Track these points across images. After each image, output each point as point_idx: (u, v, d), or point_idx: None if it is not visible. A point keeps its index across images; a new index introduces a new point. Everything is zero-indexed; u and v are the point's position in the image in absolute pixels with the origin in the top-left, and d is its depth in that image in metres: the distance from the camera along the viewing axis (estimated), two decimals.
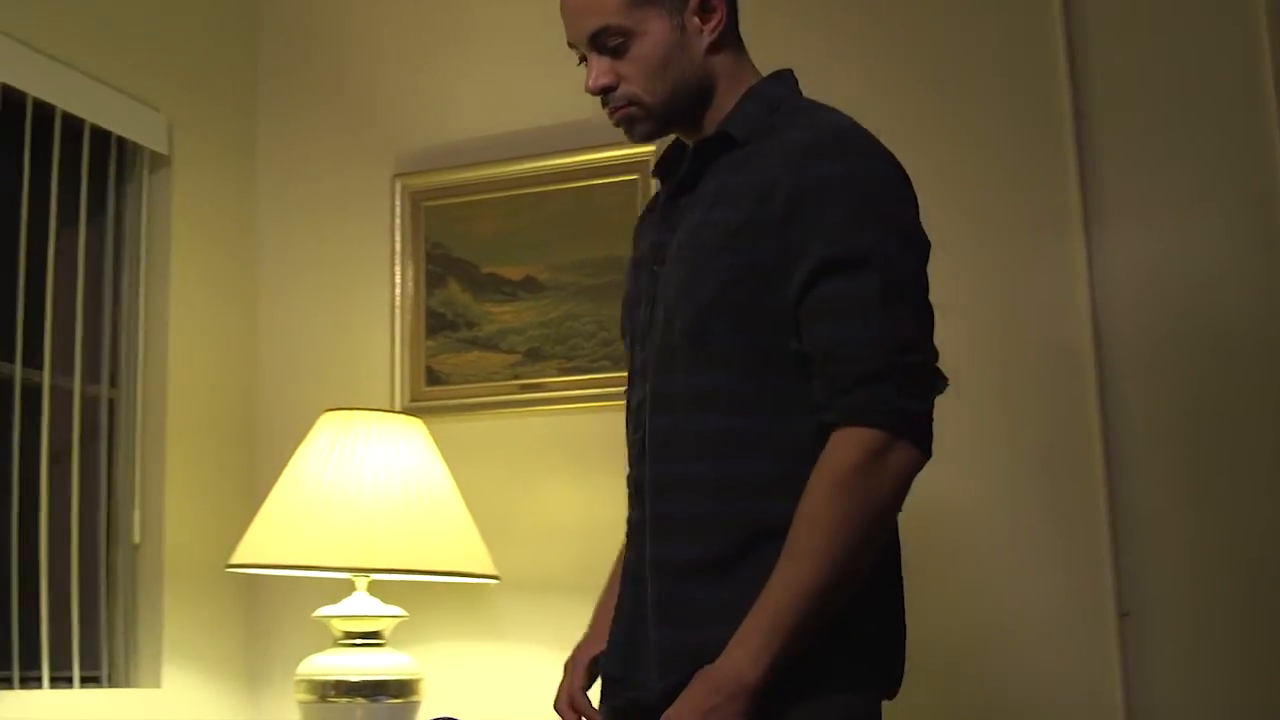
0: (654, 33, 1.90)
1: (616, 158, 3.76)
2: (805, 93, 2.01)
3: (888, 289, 1.75)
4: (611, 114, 1.97)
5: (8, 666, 3.29)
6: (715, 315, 1.81)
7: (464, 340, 3.87)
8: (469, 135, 3.95)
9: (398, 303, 3.93)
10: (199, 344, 3.90)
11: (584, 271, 3.76)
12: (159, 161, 3.87)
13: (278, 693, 3.76)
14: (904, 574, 1.90)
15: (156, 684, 3.60)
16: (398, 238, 3.95)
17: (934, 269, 1.87)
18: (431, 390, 3.87)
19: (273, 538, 3.31)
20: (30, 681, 3.33)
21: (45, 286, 3.55)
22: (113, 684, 3.60)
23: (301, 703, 3.33)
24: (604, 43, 1.91)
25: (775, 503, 1.76)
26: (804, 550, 1.69)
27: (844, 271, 1.75)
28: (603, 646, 2.07)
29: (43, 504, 3.42)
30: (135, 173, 3.86)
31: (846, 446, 1.71)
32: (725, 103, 1.96)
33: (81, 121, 3.64)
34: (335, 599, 3.42)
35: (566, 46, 2.00)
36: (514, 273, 3.84)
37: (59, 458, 3.51)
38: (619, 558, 2.20)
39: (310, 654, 3.38)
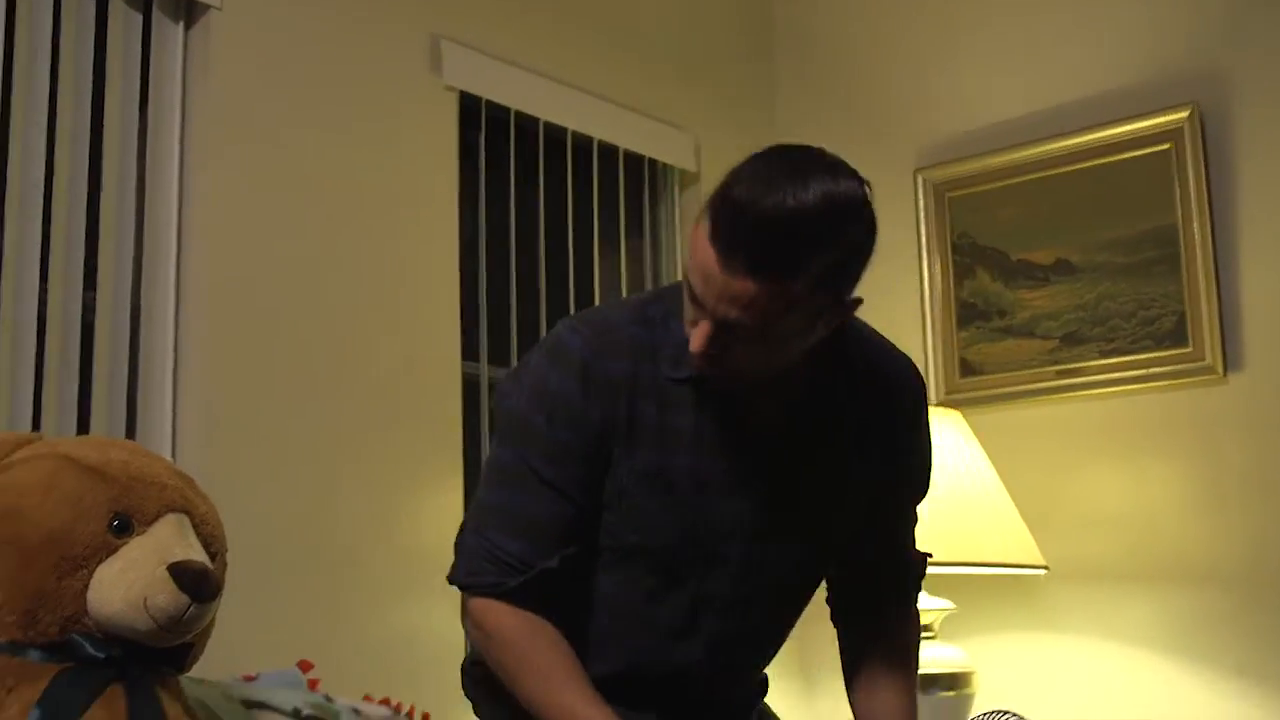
0: (787, 332, 1.71)
1: (1144, 129, 3.61)
2: None
3: None
4: (701, 362, 1.75)
5: None
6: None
7: (997, 329, 3.82)
8: (986, 122, 3.90)
9: (927, 296, 3.93)
10: None
11: (1118, 250, 3.63)
12: (689, 179, 4.06)
13: (831, 686, 3.83)
14: None
15: None
16: (923, 231, 3.96)
17: None
18: (966, 381, 3.84)
19: None
20: None
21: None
22: None
23: None
24: (730, 328, 1.68)
25: None
26: (913, 692, 2.07)
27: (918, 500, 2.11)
28: None
29: None
30: (667, 193, 4.07)
31: (918, 619, 2.15)
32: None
33: (615, 149, 3.87)
34: None
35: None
36: (1044, 257, 3.76)
37: None
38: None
39: None
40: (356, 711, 2.52)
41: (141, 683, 1.95)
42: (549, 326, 3.63)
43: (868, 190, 1.65)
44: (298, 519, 2.96)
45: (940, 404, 3.75)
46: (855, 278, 1.72)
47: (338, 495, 3.05)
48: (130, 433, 2.79)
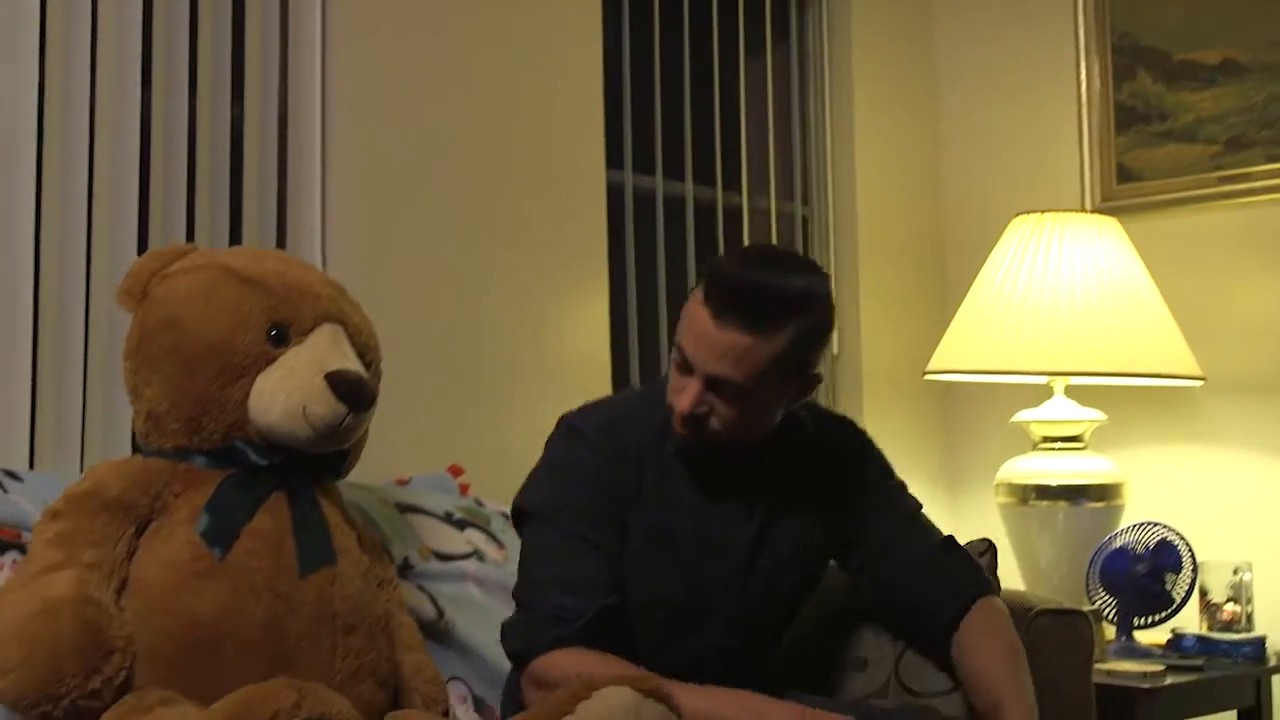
0: (763, 396, 1.98)
1: None
2: None
3: None
4: (685, 427, 2.00)
5: None
6: None
7: (1157, 134, 3.69)
8: None
9: (1084, 99, 3.80)
10: (884, 158, 3.97)
11: None
12: None
13: (978, 496, 3.83)
14: None
15: None
16: (1081, 31, 3.80)
17: None
18: (1124, 188, 3.73)
19: (969, 344, 3.35)
20: None
21: (739, 114, 3.73)
22: None
23: (1002, 505, 3.37)
24: (717, 385, 1.95)
25: None
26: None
27: None
28: None
29: None
30: None
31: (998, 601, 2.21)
32: None
33: None
34: (1033, 403, 3.42)
35: None
36: (1210, 57, 3.60)
37: None
38: None
39: (1009, 458, 3.41)
40: (505, 515, 2.58)
41: (303, 489, 2.00)
42: (694, 134, 3.59)
43: (832, 288, 2.05)
44: (446, 328, 2.99)
45: (1096, 210, 3.65)
46: (819, 356, 2.04)
47: (486, 303, 3.07)
48: (280, 243, 2.82)
